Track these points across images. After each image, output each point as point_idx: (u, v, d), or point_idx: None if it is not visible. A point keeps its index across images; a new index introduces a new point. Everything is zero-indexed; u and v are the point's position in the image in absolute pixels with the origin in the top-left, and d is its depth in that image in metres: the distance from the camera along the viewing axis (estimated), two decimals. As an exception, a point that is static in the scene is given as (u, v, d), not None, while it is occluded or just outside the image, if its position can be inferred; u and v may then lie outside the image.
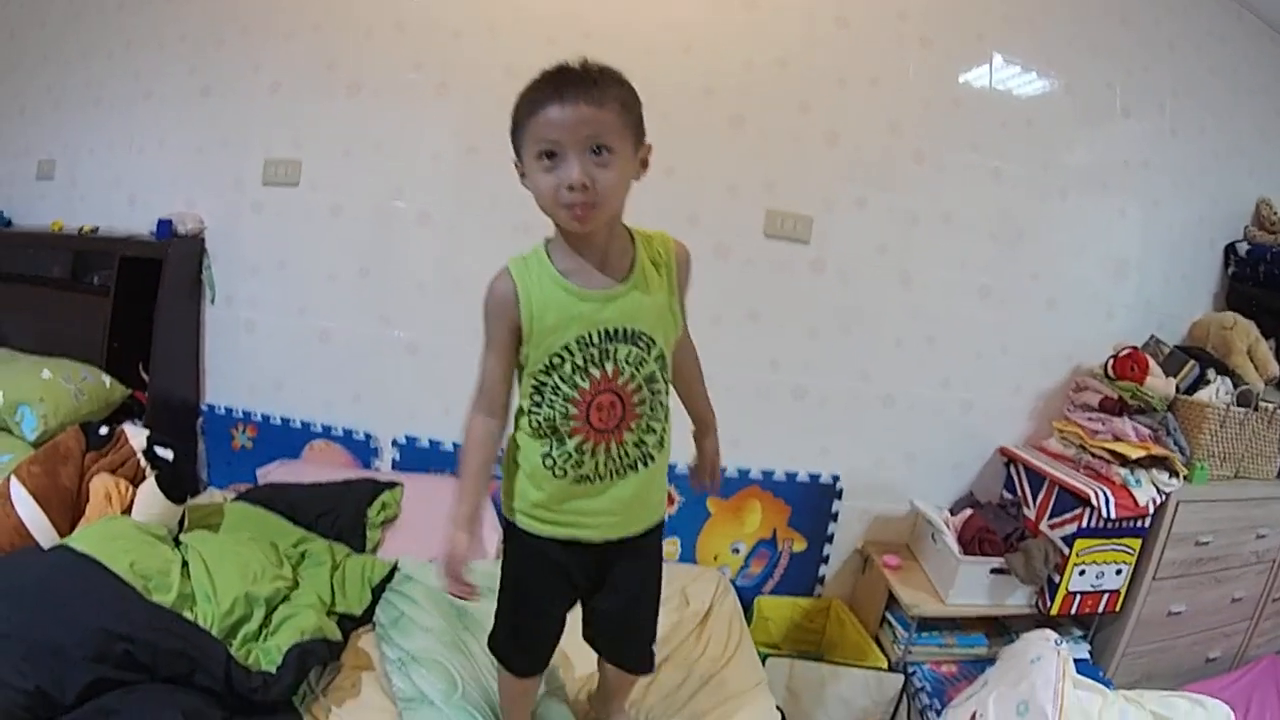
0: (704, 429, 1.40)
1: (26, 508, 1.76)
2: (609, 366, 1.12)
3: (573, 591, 1.31)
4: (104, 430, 2.07)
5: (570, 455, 1.16)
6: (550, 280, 1.10)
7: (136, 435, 2.08)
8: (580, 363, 1.12)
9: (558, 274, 1.10)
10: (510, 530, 1.28)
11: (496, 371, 1.16)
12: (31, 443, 2.12)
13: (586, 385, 1.12)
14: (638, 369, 1.14)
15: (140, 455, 2.10)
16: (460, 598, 1.18)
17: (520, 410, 1.20)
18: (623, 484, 1.20)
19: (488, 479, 1.20)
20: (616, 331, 1.12)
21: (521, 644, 1.36)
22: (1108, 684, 1.93)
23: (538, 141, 1.01)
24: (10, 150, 2.85)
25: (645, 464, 1.21)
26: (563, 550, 1.23)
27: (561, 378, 1.12)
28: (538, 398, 1.15)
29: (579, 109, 0.98)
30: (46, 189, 2.75)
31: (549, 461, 1.17)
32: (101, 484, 1.90)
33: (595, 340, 1.11)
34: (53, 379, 2.24)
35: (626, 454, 1.19)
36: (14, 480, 1.76)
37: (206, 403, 2.55)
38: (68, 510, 1.83)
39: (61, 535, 1.70)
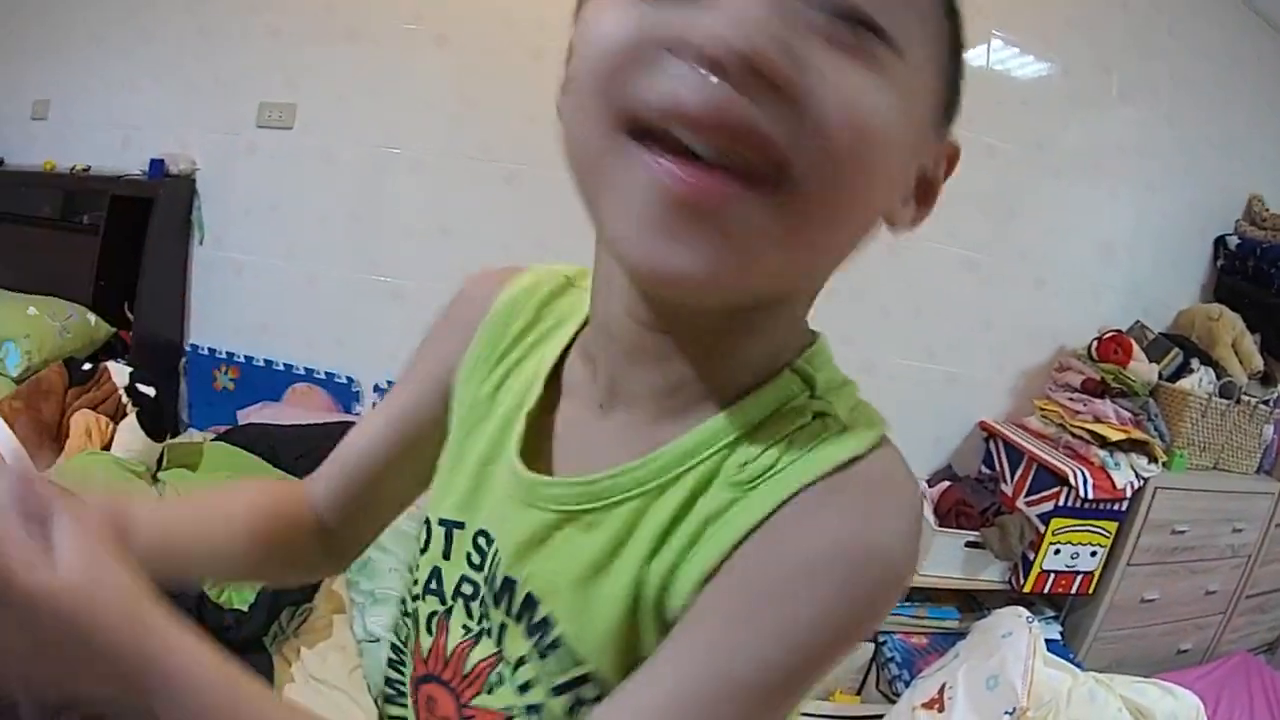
0: None
1: (6, 442, 1.78)
2: (450, 638, 0.46)
3: None
4: (87, 367, 2.09)
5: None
6: (543, 355, 0.49)
7: (119, 373, 2.10)
8: (435, 589, 0.48)
9: (563, 359, 0.48)
10: None
11: (368, 426, 0.59)
12: (14, 379, 2.12)
13: (410, 655, 0.50)
14: (507, 676, 0.43)
15: (122, 392, 2.12)
16: None
17: None
18: None
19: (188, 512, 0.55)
20: (495, 577, 0.44)
21: None
22: (1079, 666, 1.93)
23: None
24: (6, 91, 2.84)
25: None
26: None
27: (416, 585, 0.50)
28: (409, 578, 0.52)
29: None
30: (39, 129, 2.74)
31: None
32: (82, 419, 1.92)
33: (468, 562, 0.46)
34: (38, 316, 2.24)
35: None
36: (-5, 415, 1.78)
37: (190, 343, 2.55)
38: (49, 445, 1.85)
39: (41, 470, 1.72)
